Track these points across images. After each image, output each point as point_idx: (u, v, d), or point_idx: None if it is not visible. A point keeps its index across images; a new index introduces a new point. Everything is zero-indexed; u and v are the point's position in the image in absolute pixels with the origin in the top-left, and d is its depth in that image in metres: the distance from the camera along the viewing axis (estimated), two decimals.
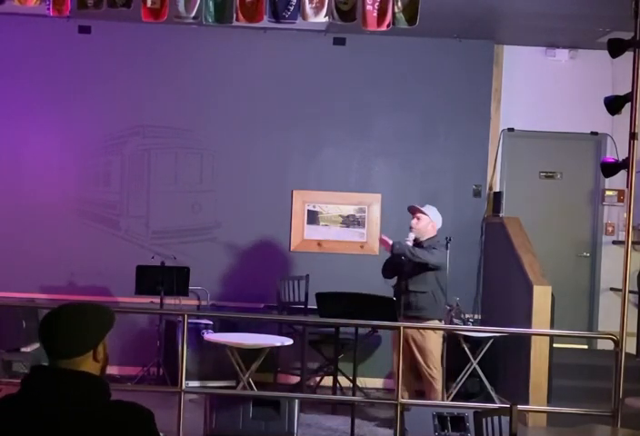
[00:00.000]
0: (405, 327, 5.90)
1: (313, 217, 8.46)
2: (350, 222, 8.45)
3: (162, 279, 7.68)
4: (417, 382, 6.81)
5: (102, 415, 2.30)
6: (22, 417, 2.30)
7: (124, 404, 2.36)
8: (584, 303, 8.76)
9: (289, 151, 8.47)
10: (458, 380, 7.22)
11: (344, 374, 7.28)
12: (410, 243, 6.66)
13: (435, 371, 6.65)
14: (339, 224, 8.43)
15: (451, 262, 7.92)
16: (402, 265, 6.67)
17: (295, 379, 7.80)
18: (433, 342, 6.65)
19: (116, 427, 2.30)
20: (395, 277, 6.85)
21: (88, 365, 2.38)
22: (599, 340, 8.35)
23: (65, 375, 2.34)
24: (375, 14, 6.26)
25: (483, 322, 8.25)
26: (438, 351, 6.70)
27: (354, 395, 6.23)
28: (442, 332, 6.74)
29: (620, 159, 5.75)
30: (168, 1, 6.27)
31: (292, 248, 8.43)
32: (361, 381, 7.40)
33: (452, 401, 6.88)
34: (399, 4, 6.24)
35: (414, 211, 6.89)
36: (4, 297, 7.74)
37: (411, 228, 6.80)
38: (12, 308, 7.69)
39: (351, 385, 6.47)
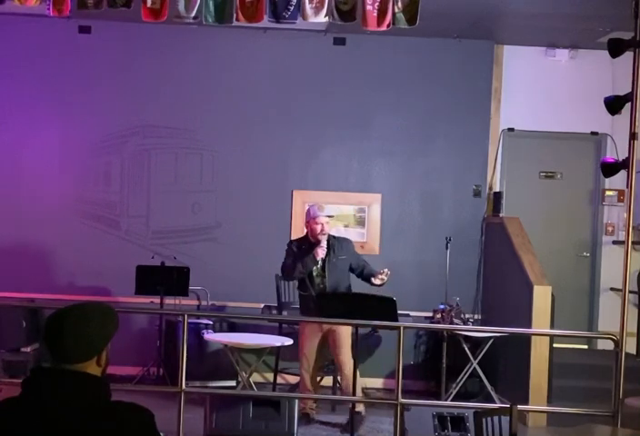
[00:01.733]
0: (405, 327, 5.89)
1: None
2: (350, 222, 8.45)
3: (162, 279, 7.68)
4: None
5: (103, 416, 2.31)
6: (23, 418, 2.30)
7: (124, 405, 2.37)
8: (584, 303, 8.76)
9: (289, 151, 8.47)
10: (458, 380, 7.23)
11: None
12: (325, 249, 6.66)
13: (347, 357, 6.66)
14: (339, 224, 8.42)
15: (451, 262, 7.95)
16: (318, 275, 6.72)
17: (295, 379, 7.79)
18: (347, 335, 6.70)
19: (117, 427, 2.30)
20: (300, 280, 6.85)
21: (91, 369, 2.41)
22: (599, 340, 8.36)
23: (66, 376, 2.35)
24: (375, 14, 6.24)
25: (483, 322, 8.26)
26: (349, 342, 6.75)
27: (354, 395, 6.22)
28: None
29: (620, 159, 5.75)
30: (168, 1, 6.26)
31: None
32: (361, 381, 7.38)
33: (452, 401, 6.88)
34: (399, 4, 6.23)
35: (318, 217, 6.75)
36: (4, 297, 7.73)
37: (323, 233, 6.72)
38: (12, 308, 7.70)
39: None
